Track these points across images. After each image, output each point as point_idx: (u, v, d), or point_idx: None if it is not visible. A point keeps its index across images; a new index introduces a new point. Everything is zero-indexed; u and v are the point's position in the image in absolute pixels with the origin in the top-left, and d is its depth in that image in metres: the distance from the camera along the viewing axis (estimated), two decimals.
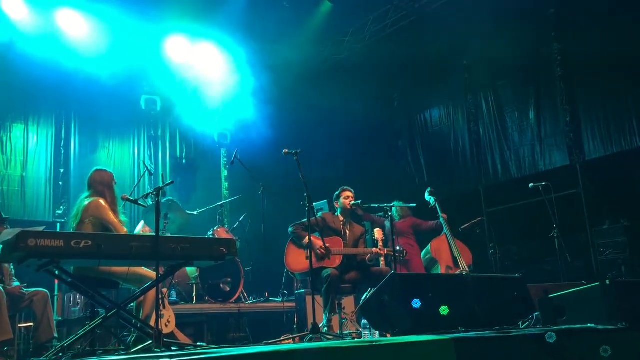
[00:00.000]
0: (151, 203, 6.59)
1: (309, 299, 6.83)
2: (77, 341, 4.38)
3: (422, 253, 7.16)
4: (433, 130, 10.29)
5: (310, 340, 4.95)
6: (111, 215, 5.01)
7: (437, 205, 7.18)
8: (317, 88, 10.17)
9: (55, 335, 5.45)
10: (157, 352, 3.86)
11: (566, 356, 3.10)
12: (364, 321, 5.43)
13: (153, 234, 4.48)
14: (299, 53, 10.36)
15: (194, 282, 7.42)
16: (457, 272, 6.63)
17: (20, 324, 5.91)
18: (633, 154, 7.70)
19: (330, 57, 11.29)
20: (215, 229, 8.01)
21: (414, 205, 7.29)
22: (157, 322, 4.18)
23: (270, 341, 5.37)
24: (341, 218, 6.30)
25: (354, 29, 10.86)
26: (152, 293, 4.83)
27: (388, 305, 4.16)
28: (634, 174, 7.58)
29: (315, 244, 5.81)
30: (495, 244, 7.46)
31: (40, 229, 4.92)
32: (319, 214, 6.43)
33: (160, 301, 4.53)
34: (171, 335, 5.86)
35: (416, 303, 4.02)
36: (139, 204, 5.78)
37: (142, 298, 4.94)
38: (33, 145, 9.01)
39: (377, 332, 5.06)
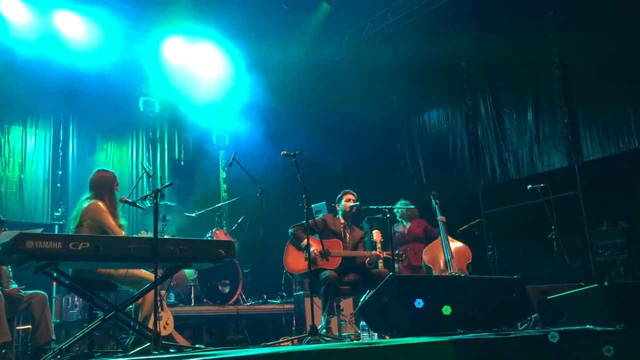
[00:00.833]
0: (149, 205, 6.58)
1: (307, 300, 6.82)
2: (75, 343, 4.37)
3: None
4: (431, 132, 10.30)
5: (308, 342, 4.94)
6: (109, 219, 5.00)
7: (437, 208, 7.15)
8: (316, 90, 10.18)
9: (54, 337, 5.44)
10: (156, 354, 3.86)
11: (565, 358, 3.10)
12: (362, 323, 5.43)
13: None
14: (298, 55, 10.36)
15: (192, 284, 7.41)
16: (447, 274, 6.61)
17: (18, 326, 5.89)
18: (631, 155, 7.70)
19: (328, 59, 11.30)
20: (213, 230, 8.02)
21: (413, 206, 7.29)
22: (155, 324, 4.18)
23: (268, 343, 5.37)
24: (342, 221, 6.30)
25: (353, 30, 10.88)
26: (150, 295, 4.82)
27: (387, 306, 4.16)
28: (632, 176, 7.58)
29: (314, 246, 5.80)
30: (494, 246, 7.45)
31: (39, 230, 4.91)
32: (318, 216, 6.43)
33: (159, 303, 4.53)
34: (169, 337, 5.86)
35: (419, 303, 4.02)
36: (137, 206, 5.76)
37: (140, 300, 4.93)
38: (31, 147, 8.99)
39: (376, 334, 5.06)
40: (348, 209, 6.28)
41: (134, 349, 4.40)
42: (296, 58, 10.35)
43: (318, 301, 5.74)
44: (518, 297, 4.67)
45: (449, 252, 6.71)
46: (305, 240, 5.78)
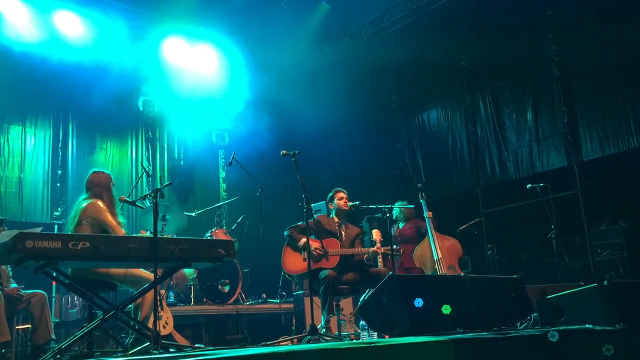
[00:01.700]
0: (149, 204, 6.59)
1: (307, 300, 6.82)
2: (75, 343, 4.38)
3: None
4: (431, 132, 10.30)
5: (308, 342, 4.95)
6: (109, 217, 5.01)
7: (423, 204, 7.09)
8: (315, 89, 10.18)
9: (53, 337, 5.44)
10: (155, 354, 3.86)
11: (564, 357, 3.10)
12: (362, 322, 5.43)
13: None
14: (297, 54, 10.37)
15: (192, 283, 7.42)
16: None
17: (17, 325, 5.90)
18: (630, 154, 7.71)
19: (327, 59, 11.31)
20: (213, 230, 8.02)
21: (412, 206, 7.28)
22: (155, 323, 4.18)
23: (268, 343, 5.37)
24: (336, 219, 6.28)
25: (352, 30, 10.88)
26: (150, 295, 4.82)
27: (386, 306, 4.16)
28: (632, 175, 7.59)
29: (312, 244, 5.80)
30: (493, 245, 7.45)
31: (38, 230, 4.92)
32: (316, 215, 6.43)
33: (158, 303, 4.53)
34: (169, 336, 5.86)
35: (418, 302, 4.02)
36: (137, 206, 5.77)
37: (140, 300, 4.94)
38: (30, 147, 8.99)
39: (376, 333, 5.06)
40: (342, 207, 6.26)
41: (134, 349, 4.40)
42: (296, 57, 10.36)
43: (317, 300, 5.74)
44: (517, 296, 4.68)
45: (437, 252, 6.68)
46: (302, 240, 5.79)
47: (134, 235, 5.95)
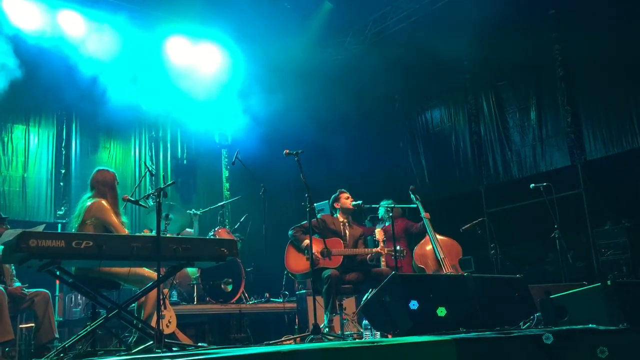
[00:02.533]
0: (152, 204, 6.60)
1: (309, 299, 6.83)
2: (78, 342, 4.38)
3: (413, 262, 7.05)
4: (434, 131, 10.29)
5: (311, 341, 4.95)
6: (112, 217, 5.02)
7: (419, 204, 7.07)
8: (318, 89, 10.17)
9: (56, 335, 5.44)
10: (158, 353, 3.86)
11: (567, 357, 3.10)
12: (365, 322, 5.44)
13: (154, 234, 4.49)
14: (300, 54, 10.36)
15: (195, 282, 7.42)
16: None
17: (21, 324, 5.91)
18: (634, 154, 7.69)
19: (330, 58, 11.29)
20: (216, 229, 8.02)
21: (415, 205, 7.26)
22: (158, 322, 4.18)
23: (271, 342, 5.37)
24: (341, 219, 6.32)
25: (355, 29, 10.87)
26: (153, 294, 4.84)
27: (389, 305, 4.16)
28: (635, 174, 7.57)
29: (315, 246, 5.80)
30: (496, 245, 7.44)
31: (41, 228, 4.93)
32: (319, 215, 6.45)
33: (161, 302, 4.54)
34: (172, 335, 5.86)
35: (413, 305, 4.02)
36: (140, 205, 5.79)
37: (143, 299, 4.95)
38: (34, 146, 9.02)
39: (378, 333, 5.06)
40: (347, 207, 6.29)
41: (137, 348, 4.41)
42: (298, 57, 10.34)
43: (320, 300, 5.75)
44: (520, 296, 4.67)
45: (440, 251, 6.65)
46: (306, 241, 5.80)
47: (137, 234, 5.96)
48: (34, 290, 5.48)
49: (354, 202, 6.32)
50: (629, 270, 6.93)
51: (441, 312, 4.11)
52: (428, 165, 10.27)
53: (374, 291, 4.64)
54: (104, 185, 5.21)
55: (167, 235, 6.42)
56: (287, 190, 9.93)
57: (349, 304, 6.84)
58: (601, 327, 3.50)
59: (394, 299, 4.13)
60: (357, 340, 5.35)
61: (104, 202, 5.06)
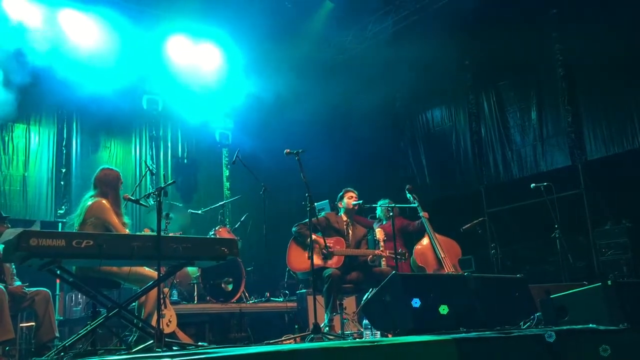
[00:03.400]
0: (153, 203, 6.60)
1: (310, 298, 6.82)
2: (79, 341, 4.39)
3: (411, 260, 7.05)
4: (435, 131, 10.29)
5: (311, 340, 4.95)
6: (113, 217, 5.02)
7: (417, 204, 7.04)
8: (319, 88, 10.17)
9: (57, 334, 5.44)
10: (159, 352, 3.86)
11: (567, 357, 3.10)
12: (365, 321, 5.43)
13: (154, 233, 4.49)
14: (301, 53, 10.36)
15: (195, 282, 7.42)
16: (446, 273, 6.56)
17: (21, 323, 5.91)
18: (635, 154, 7.69)
19: (331, 57, 11.30)
20: (216, 228, 8.02)
21: (414, 205, 7.26)
22: (158, 321, 4.18)
23: (271, 341, 5.37)
24: (344, 218, 6.32)
25: (356, 29, 10.86)
26: (153, 293, 4.84)
27: (390, 305, 4.15)
28: (636, 174, 7.56)
29: (318, 243, 5.81)
30: (497, 244, 7.43)
31: (37, 226, 4.93)
32: (321, 214, 6.45)
33: (162, 301, 4.54)
34: (172, 335, 5.86)
35: (416, 302, 4.02)
36: (141, 204, 5.79)
37: (143, 298, 4.95)
38: (35, 145, 9.02)
39: (379, 332, 5.06)
40: (350, 207, 6.30)
41: (137, 347, 4.41)
42: (299, 56, 10.35)
43: (321, 299, 5.75)
44: (521, 296, 4.67)
45: (440, 250, 6.65)
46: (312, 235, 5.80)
47: (138, 233, 5.95)
48: (35, 289, 5.48)
49: (354, 202, 6.33)
50: (629, 270, 6.92)
51: (443, 309, 4.11)
52: (428, 164, 10.27)
53: (374, 290, 4.64)
54: (106, 185, 5.21)
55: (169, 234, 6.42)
56: (288, 190, 9.91)
57: (350, 303, 6.84)
58: (601, 327, 3.49)
59: (394, 299, 4.13)
60: (357, 339, 5.36)
61: (104, 201, 5.06)
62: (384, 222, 7.53)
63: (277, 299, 8.01)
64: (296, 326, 7.10)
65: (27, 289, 5.44)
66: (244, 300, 7.77)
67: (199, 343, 5.90)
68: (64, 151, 9.27)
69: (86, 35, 8.99)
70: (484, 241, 7.76)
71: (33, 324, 5.51)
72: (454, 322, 4.01)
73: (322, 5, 10.19)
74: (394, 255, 6.05)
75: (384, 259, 6.24)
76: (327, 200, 8.35)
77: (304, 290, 7.33)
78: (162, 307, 4.93)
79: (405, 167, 10.59)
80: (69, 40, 8.83)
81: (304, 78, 10.36)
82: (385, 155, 10.84)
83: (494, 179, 9.23)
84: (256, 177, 7.71)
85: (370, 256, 6.04)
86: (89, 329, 4.40)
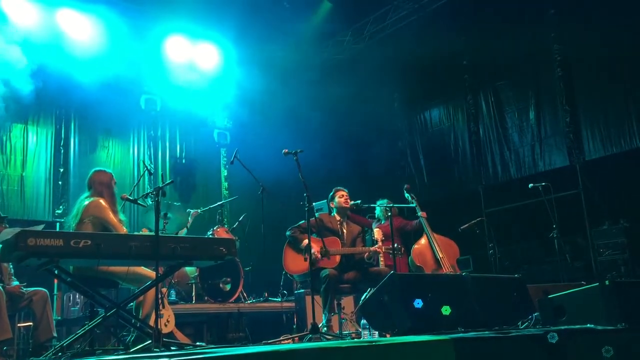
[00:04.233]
0: (151, 203, 6.59)
1: (308, 299, 6.82)
2: (77, 341, 4.38)
3: (409, 260, 7.05)
4: (433, 131, 10.30)
5: (309, 340, 4.95)
6: (111, 215, 5.02)
7: (415, 204, 7.03)
8: (317, 88, 10.18)
9: (55, 334, 5.44)
10: (157, 352, 3.86)
11: (565, 356, 3.10)
12: (363, 321, 5.43)
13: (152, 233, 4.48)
14: (299, 53, 10.36)
15: (193, 281, 7.41)
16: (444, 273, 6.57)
17: (19, 323, 5.91)
18: (633, 154, 7.71)
19: (330, 57, 11.30)
20: (214, 228, 8.01)
21: (412, 204, 7.26)
22: (156, 321, 4.18)
23: (269, 341, 5.37)
24: (337, 218, 6.31)
25: (354, 29, 10.87)
26: (151, 293, 4.83)
27: (387, 305, 4.15)
28: (634, 175, 7.58)
29: (313, 245, 5.79)
30: (495, 244, 7.44)
31: (39, 227, 4.93)
32: (317, 214, 6.44)
33: (160, 301, 4.53)
34: (170, 334, 5.86)
35: (418, 303, 4.02)
36: (139, 204, 5.79)
37: (141, 298, 4.94)
38: (32, 145, 9.00)
39: (377, 332, 5.06)
40: (342, 205, 6.28)
41: (135, 347, 4.40)
42: (298, 56, 10.35)
43: (319, 299, 5.75)
44: (519, 296, 4.67)
45: (439, 250, 6.64)
46: (304, 241, 5.79)
47: (136, 233, 5.95)
48: (32, 289, 5.46)
49: (352, 202, 6.32)
50: (627, 270, 6.94)
51: (445, 310, 4.11)
52: (427, 164, 10.28)
53: (372, 290, 4.63)
54: (101, 185, 5.21)
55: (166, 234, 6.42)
56: (286, 190, 9.91)
57: (347, 303, 6.83)
58: (599, 327, 3.50)
59: (392, 299, 4.13)
60: (355, 339, 5.35)
61: (101, 200, 5.06)
62: (383, 222, 7.53)
63: (275, 299, 8.00)
64: (294, 326, 7.10)
65: (24, 289, 5.43)
66: (242, 300, 7.76)
67: (197, 343, 5.91)
68: (62, 151, 9.25)
69: (84, 35, 8.98)
70: (482, 241, 7.76)
71: (31, 323, 5.49)
72: (452, 322, 4.01)
73: (320, 4, 10.19)
74: (390, 251, 6.03)
75: (381, 255, 6.22)
76: (325, 200, 8.33)
77: (302, 291, 7.32)
78: (160, 307, 4.92)
79: (403, 167, 10.60)
80: (67, 40, 8.82)
81: (302, 78, 10.36)
82: (384, 154, 10.84)
83: (492, 179, 9.24)
84: (254, 177, 7.71)
85: (367, 253, 6.03)
86: (86, 328, 4.39)
